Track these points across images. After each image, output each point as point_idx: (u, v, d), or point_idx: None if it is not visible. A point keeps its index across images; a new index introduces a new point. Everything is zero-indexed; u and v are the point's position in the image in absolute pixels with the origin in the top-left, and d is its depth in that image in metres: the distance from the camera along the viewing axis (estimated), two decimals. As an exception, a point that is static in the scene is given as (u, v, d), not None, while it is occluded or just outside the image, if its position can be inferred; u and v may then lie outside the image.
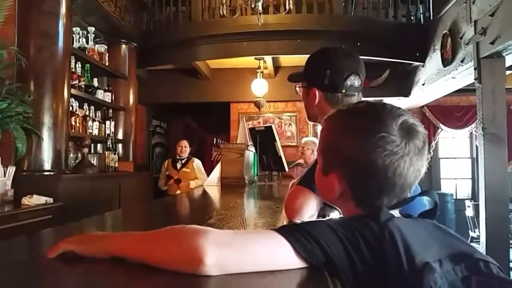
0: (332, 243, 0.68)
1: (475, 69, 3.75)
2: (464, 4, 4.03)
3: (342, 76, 1.27)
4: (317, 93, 1.29)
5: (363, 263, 0.68)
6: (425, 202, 0.85)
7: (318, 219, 1.05)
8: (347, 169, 0.82)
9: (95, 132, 4.25)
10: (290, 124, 6.65)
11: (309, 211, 1.13)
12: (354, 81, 1.28)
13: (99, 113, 4.46)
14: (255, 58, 5.54)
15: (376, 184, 0.78)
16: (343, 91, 1.26)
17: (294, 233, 0.69)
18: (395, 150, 0.76)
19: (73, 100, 3.84)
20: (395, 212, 0.81)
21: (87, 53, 4.10)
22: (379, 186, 0.78)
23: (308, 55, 1.38)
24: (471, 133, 7.27)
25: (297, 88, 1.39)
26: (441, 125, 7.19)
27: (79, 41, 4.06)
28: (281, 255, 0.67)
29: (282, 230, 0.70)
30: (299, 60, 4.85)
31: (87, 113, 4.16)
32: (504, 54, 3.57)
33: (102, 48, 4.45)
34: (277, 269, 0.67)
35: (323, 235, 0.69)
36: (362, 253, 0.68)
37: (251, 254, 0.66)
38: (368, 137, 0.78)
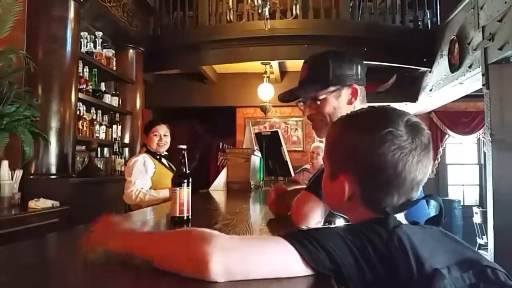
0: (340, 251, 0.68)
1: (483, 75, 3.73)
2: (472, 9, 4.01)
3: (364, 68, 1.29)
4: (358, 89, 1.26)
5: (372, 270, 0.67)
6: (431, 208, 0.85)
7: (325, 226, 1.04)
8: (356, 167, 0.81)
9: (102, 136, 4.27)
10: (296, 129, 6.65)
11: (316, 217, 1.12)
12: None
13: (106, 117, 4.48)
14: (261, 63, 5.55)
15: (386, 179, 0.78)
16: (362, 81, 1.29)
17: (301, 239, 0.68)
18: (403, 144, 0.77)
19: (81, 104, 3.87)
20: (402, 218, 0.80)
21: (94, 57, 4.12)
22: (389, 181, 0.78)
23: (314, 60, 1.32)
24: (478, 139, 7.22)
25: (321, 96, 1.26)
26: (449, 131, 7.15)
27: (87, 46, 4.09)
28: (288, 262, 0.67)
29: (289, 237, 0.69)
30: (306, 65, 4.83)
31: (94, 117, 4.18)
32: (512, 60, 3.55)
33: (109, 52, 4.48)
34: (283, 276, 0.67)
35: (331, 242, 0.68)
36: (371, 259, 0.67)
37: (257, 261, 0.66)
38: (375, 133, 0.78)
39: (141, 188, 2.80)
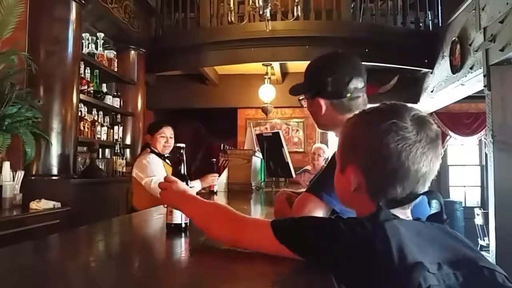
0: (317, 234, 0.74)
1: (484, 76, 3.72)
2: (474, 10, 4.00)
3: (345, 81, 1.25)
4: (322, 102, 1.28)
5: (349, 257, 0.71)
6: (433, 210, 0.85)
7: (312, 215, 1.07)
8: (361, 158, 0.84)
9: (104, 137, 4.28)
10: (297, 130, 6.64)
11: (317, 218, 1.12)
12: (357, 83, 1.26)
13: (107, 118, 4.48)
14: (262, 64, 5.55)
15: (390, 169, 0.79)
16: (348, 95, 1.25)
17: (280, 222, 0.83)
18: (407, 135, 0.79)
19: (82, 105, 3.87)
20: (404, 214, 0.81)
21: (96, 58, 4.13)
22: (393, 171, 0.79)
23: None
24: (480, 140, 7.21)
25: (302, 102, 1.37)
26: (450, 132, 7.14)
27: (88, 47, 4.10)
28: (262, 237, 0.83)
29: (273, 221, 0.84)
30: (307, 66, 4.83)
31: (95, 118, 4.19)
32: (513, 61, 3.54)
33: (111, 53, 4.49)
34: (263, 251, 0.83)
35: (308, 226, 0.78)
36: (346, 247, 0.71)
37: (241, 235, 0.89)
38: (380, 124, 0.81)
39: None
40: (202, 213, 1.00)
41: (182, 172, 1.24)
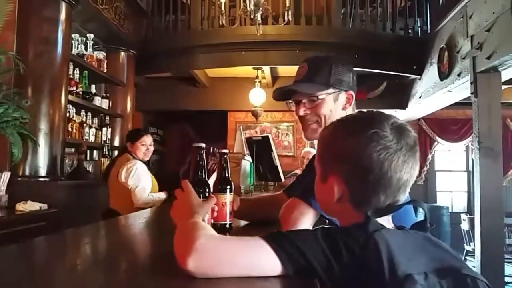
0: (314, 251, 0.70)
1: (471, 83, 3.77)
2: (461, 19, 4.07)
3: (354, 76, 1.30)
4: (353, 95, 1.29)
5: (344, 271, 0.69)
6: (419, 215, 0.86)
7: (304, 229, 1.05)
8: (344, 168, 0.83)
9: (92, 138, 4.24)
10: (287, 134, 6.66)
11: (305, 224, 1.12)
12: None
13: (96, 120, 4.45)
14: (253, 68, 5.56)
15: (373, 179, 0.80)
16: (355, 89, 1.30)
17: (277, 239, 0.72)
18: (388, 144, 0.79)
19: (70, 106, 3.84)
20: (388, 222, 0.82)
21: (85, 59, 4.10)
22: (376, 180, 0.80)
23: (315, 61, 1.31)
24: (467, 147, 7.31)
25: (291, 105, 1.32)
26: (438, 138, 7.23)
27: (78, 48, 4.07)
28: (262, 260, 0.71)
29: (266, 237, 0.73)
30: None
31: (84, 119, 4.15)
32: (500, 69, 3.60)
33: (100, 55, 4.46)
34: (259, 274, 0.71)
35: (305, 243, 0.71)
36: (343, 261, 0.69)
37: (232, 260, 0.71)
38: (361, 134, 0.81)
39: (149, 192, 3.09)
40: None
41: (203, 177, 1.07)
